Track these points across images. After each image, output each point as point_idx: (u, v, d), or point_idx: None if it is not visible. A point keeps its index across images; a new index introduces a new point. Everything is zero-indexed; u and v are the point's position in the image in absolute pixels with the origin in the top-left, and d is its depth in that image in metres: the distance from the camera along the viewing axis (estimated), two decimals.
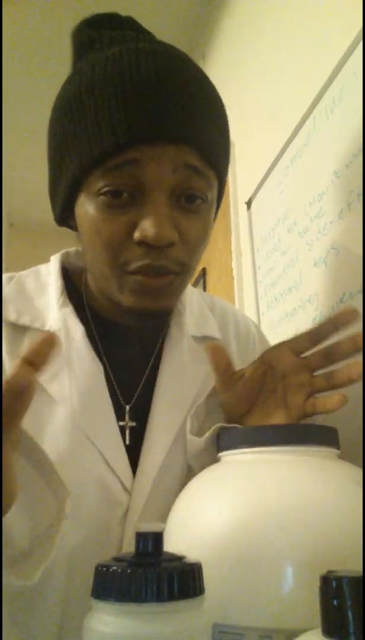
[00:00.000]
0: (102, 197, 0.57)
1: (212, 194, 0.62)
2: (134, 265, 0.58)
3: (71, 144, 0.59)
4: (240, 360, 0.77)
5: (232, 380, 0.62)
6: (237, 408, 0.63)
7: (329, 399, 0.58)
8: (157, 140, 0.55)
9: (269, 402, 0.62)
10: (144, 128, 0.55)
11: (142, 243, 0.57)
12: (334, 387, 0.59)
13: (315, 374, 0.62)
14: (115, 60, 0.57)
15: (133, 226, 0.57)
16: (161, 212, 0.56)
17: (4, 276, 0.73)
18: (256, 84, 1.44)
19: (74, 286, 0.72)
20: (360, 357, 0.57)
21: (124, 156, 0.56)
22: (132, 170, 0.56)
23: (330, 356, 0.60)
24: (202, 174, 0.59)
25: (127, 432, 0.65)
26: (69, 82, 0.61)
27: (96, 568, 0.34)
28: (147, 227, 0.56)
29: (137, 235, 0.57)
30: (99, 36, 0.62)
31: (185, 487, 0.55)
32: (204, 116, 0.59)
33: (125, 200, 0.57)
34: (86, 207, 0.60)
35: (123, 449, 0.64)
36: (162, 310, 0.62)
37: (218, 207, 0.68)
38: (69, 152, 0.60)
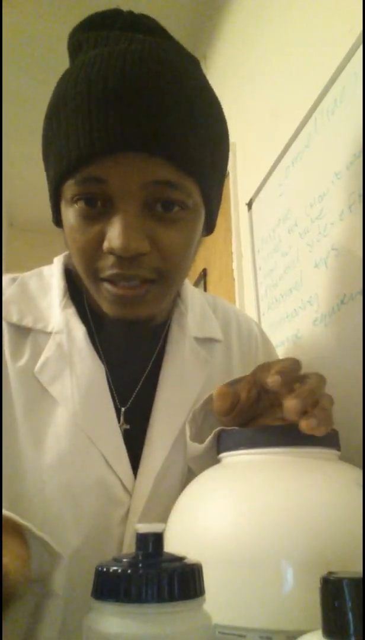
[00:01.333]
0: (76, 205, 0.57)
1: (193, 200, 0.59)
2: (105, 274, 0.58)
3: (51, 152, 0.60)
4: (242, 362, 0.77)
5: (230, 409, 0.60)
6: (233, 425, 0.63)
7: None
8: (119, 152, 0.54)
9: (265, 415, 0.61)
10: (105, 140, 0.53)
11: (111, 253, 0.56)
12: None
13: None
14: (88, 65, 0.56)
15: (104, 236, 0.57)
16: (129, 222, 0.55)
17: (7, 277, 0.73)
18: (257, 85, 1.44)
19: (76, 287, 0.72)
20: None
21: (89, 172, 0.55)
22: (99, 185, 0.55)
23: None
24: (176, 186, 0.56)
25: (121, 433, 0.65)
26: (55, 88, 0.61)
27: (96, 568, 0.34)
28: (113, 238, 0.55)
29: (105, 245, 0.56)
30: (86, 38, 0.61)
31: (186, 488, 0.55)
32: (178, 123, 0.55)
33: (99, 209, 0.57)
34: (66, 213, 0.60)
35: (124, 451, 0.64)
36: (141, 318, 0.61)
37: (214, 208, 0.66)
38: (49, 159, 0.61)
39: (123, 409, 0.67)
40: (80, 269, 0.61)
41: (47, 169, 0.63)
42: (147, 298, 0.60)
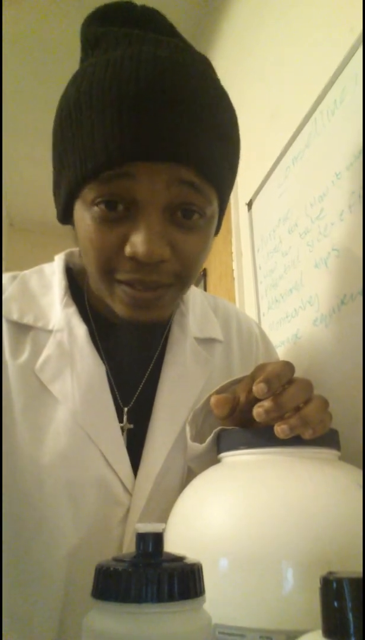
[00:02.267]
0: (96, 207, 0.56)
1: (212, 209, 0.60)
2: (123, 277, 0.58)
3: (69, 152, 0.58)
4: (243, 362, 0.77)
5: (228, 410, 0.60)
6: (235, 425, 0.63)
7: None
8: (150, 158, 0.54)
9: None
10: (137, 146, 0.53)
11: (133, 258, 0.56)
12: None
13: None
14: (116, 66, 0.55)
15: (125, 239, 0.56)
16: (153, 228, 0.55)
17: (7, 275, 0.73)
18: (257, 85, 1.44)
19: (77, 286, 0.72)
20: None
21: (117, 170, 0.54)
22: (125, 183, 0.55)
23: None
24: (199, 190, 0.57)
25: (125, 434, 0.65)
26: (72, 82, 0.59)
27: (96, 568, 0.34)
28: (137, 243, 0.55)
29: (128, 250, 0.56)
30: (104, 34, 0.60)
31: (186, 488, 0.55)
32: (204, 131, 0.56)
33: (120, 212, 0.56)
34: (82, 214, 0.59)
35: (124, 450, 0.64)
36: (154, 321, 0.61)
37: (223, 212, 0.67)
38: (67, 159, 0.59)
39: (126, 409, 0.67)
40: (93, 268, 0.60)
41: (60, 167, 0.61)
42: (162, 302, 0.60)
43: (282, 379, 0.54)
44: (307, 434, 0.50)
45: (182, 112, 0.54)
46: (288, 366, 0.56)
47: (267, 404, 0.52)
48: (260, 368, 0.59)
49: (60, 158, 0.60)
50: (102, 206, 0.56)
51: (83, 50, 0.63)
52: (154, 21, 0.63)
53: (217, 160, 0.58)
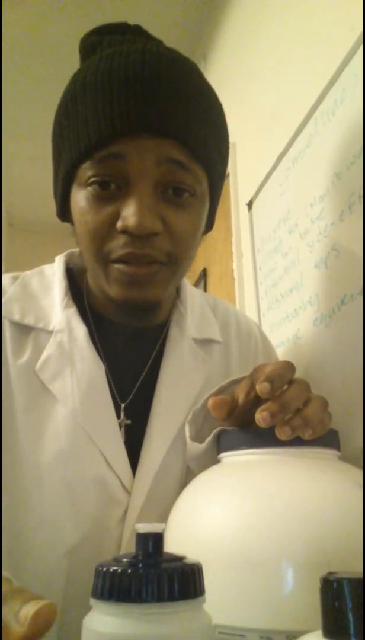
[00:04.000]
0: (90, 187, 0.59)
1: (201, 189, 0.63)
2: (116, 254, 0.59)
3: (66, 139, 0.61)
4: (242, 363, 0.77)
5: (227, 411, 0.60)
6: (233, 426, 0.62)
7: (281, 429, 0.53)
8: (139, 134, 0.57)
9: None
10: (127, 122, 0.56)
11: (125, 232, 0.58)
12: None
13: None
14: (107, 59, 0.59)
15: (117, 216, 0.59)
16: (144, 202, 0.58)
17: (8, 276, 0.73)
18: (258, 85, 1.44)
19: (77, 287, 0.73)
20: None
21: (109, 149, 0.57)
22: (116, 163, 0.58)
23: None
24: (188, 168, 0.60)
25: (123, 430, 0.66)
26: (69, 82, 0.63)
27: (96, 568, 0.34)
28: (129, 216, 0.57)
29: (119, 224, 0.58)
30: (100, 41, 0.64)
31: (186, 488, 0.55)
32: (191, 112, 0.60)
33: (112, 191, 0.59)
34: (77, 198, 0.61)
35: (123, 449, 0.64)
36: (149, 301, 0.62)
37: (215, 204, 0.69)
38: (64, 147, 0.62)
39: (123, 405, 0.67)
40: (89, 253, 0.62)
41: (59, 158, 0.64)
42: (156, 279, 0.61)
43: (284, 379, 0.54)
44: (307, 435, 0.50)
45: (169, 94, 0.58)
46: (289, 366, 0.56)
47: (272, 406, 0.52)
48: (259, 369, 0.59)
49: (58, 148, 0.64)
50: (96, 186, 0.59)
51: (81, 58, 0.67)
52: (146, 33, 0.68)
53: (204, 140, 0.61)
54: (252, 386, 0.59)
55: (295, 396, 0.53)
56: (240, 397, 0.59)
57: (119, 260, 0.59)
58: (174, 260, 0.62)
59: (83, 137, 0.59)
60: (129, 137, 0.57)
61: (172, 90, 0.58)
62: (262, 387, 0.52)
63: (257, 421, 0.52)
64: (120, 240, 0.59)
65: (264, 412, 0.51)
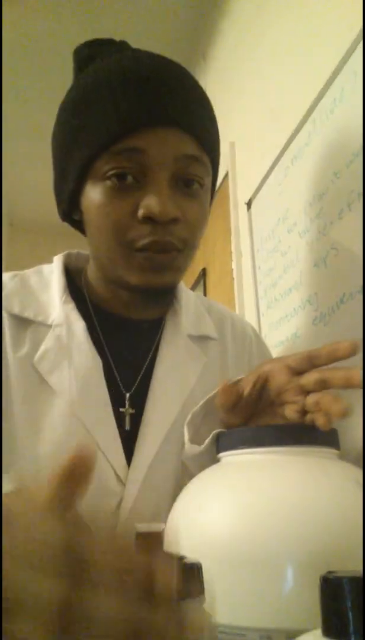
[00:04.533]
0: (108, 181, 0.62)
1: (208, 180, 0.67)
2: (141, 243, 0.62)
3: (79, 137, 0.63)
4: (237, 360, 0.78)
5: (233, 400, 0.60)
6: (235, 420, 0.62)
7: (317, 420, 0.53)
8: (159, 125, 0.60)
9: (266, 412, 0.61)
10: (147, 113, 0.60)
11: (148, 219, 0.61)
12: (322, 410, 0.55)
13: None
14: (117, 62, 0.63)
15: (136, 207, 0.61)
16: (164, 191, 0.61)
17: (8, 274, 0.75)
18: (257, 85, 1.44)
19: (75, 285, 0.74)
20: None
21: (129, 142, 0.60)
22: (135, 156, 0.60)
23: (323, 384, 0.56)
24: (200, 161, 0.63)
25: (128, 418, 0.67)
26: (72, 89, 0.66)
27: None
28: (151, 204, 0.60)
29: (141, 212, 0.61)
30: (98, 52, 0.67)
31: (186, 487, 0.55)
32: (197, 106, 0.64)
33: (129, 183, 0.61)
34: (93, 194, 0.63)
35: (118, 439, 0.65)
36: (167, 285, 0.66)
37: (212, 195, 0.72)
38: (77, 144, 0.64)
39: (127, 395, 0.69)
40: (111, 244, 0.64)
41: (66, 158, 0.66)
42: (174, 266, 0.65)
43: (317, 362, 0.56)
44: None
45: (180, 90, 0.62)
46: (309, 353, 0.57)
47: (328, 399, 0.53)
48: (270, 362, 0.60)
49: (67, 148, 0.66)
50: (114, 179, 0.62)
51: (77, 68, 0.69)
52: (131, 47, 0.71)
53: (209, 131, 0.66)
54: (259, 378, 0.60)
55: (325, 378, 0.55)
56: (246, 389, 0.60)
57: (145, 248, 0.62)
58: (188, 247, 0.65)
59: (102, 131, 0.61)
60: (148, 131, 0.60)
61: (183, 88, 0.63)
62: (351, 343, 0.54)
63: (331, 409, 0.52)
64: (142, 229, 0.61)
65: (325, 396, 0.53)
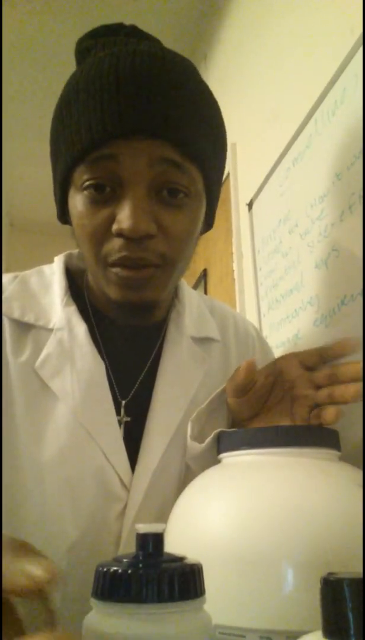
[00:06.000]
0: (86, 191, 0.60)
1: (197, 189, 0.62)
2: (113, 258, 0.59)
3: (61, 143, 0.62)
4: (239, 361, 0.77)
5: (246, 388, 0.61)
6: (243, 413, 0.63)
7: (327, 411, 0.58)
8: (130, 135, 0.57)
9: (275, 409, 0.62)
10: (118, 123, 0.56)
11: (120, 235, 0.58)
12: (333, 403, 0.59)
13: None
14: (99, 63, 0.59)
15: (112, 220, 0.59)
16: (137, 204, 0.57)
17: (8, 275, 0.74)
18: (258, 86, 1.44)
19: (76, 286, 0.73)
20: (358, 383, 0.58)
21: (101, 151, 0.57)
22: (110, 165, 0.58)
23: (333, 377, 0.59)
24: (181, 168, 0.59)
25: (122, 426, 0.66)
26: (63, 88, 0.64)
27: (97, 569, 0.34)
28: (123, 219, 0.57)
29: (114, 227, 0.58)
30: (94, 44, 0.64)
31: (187, 488, 0.55)
32: (184, 112, 0.59)
33: (107, 195, 0.59)
34: (75, 202, 0.62)
35: (122, 445, 0.64)
36: (146, 302, 0.62)
37: (213, 203, 0.69)
38: (60, 150, 0.62)
39: (123, 402, 0.68)
40: (88, 256, 0.62)
41: (56, 162, 0.64)
42: (152, 282, 0.61)
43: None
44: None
45: (160, 94, 0.58)
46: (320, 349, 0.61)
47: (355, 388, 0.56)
48: (286, 357, 0.64)
49: (55, 152, 0.64)
50: (91, 189, 0.59)
51: (76, 61, 0.67)
52: (141, 33, 0.67)
53: (198, 139, 0.61)
54: (273, 372, 0.62)
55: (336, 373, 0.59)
56: (260, 378, 0.61)
57: (116, 263, 0.60)
58: (169, 262, 0.62)
59: (76, 140, 0.59)
60: (122, 139, 0.57)
61: (164, 91, 0.58)
62: (353, 342, 0.60)
63: (344, 396, 0.56)
64: (116, 243, 0.59)
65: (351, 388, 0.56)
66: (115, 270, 0.60)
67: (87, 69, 0.60)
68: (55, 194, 0.68)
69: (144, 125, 0.57)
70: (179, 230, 0.61)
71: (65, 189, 0.63)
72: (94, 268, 0.62)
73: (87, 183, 0.59)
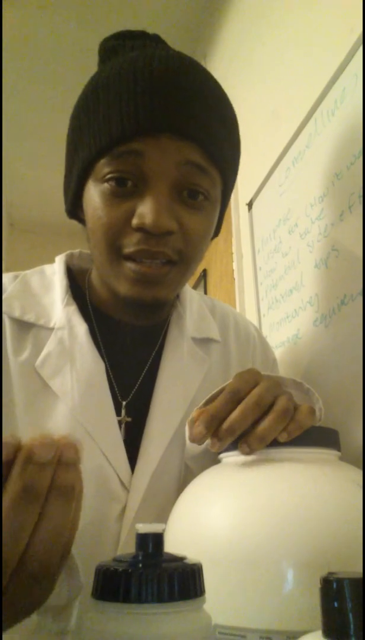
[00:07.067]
0: (106, 184, 0.60)
1: (216, 193, 0.63)
2: (129, 250, 0.60)
3: (85, 135, 0.62)
4: (240, 362, 0.78)
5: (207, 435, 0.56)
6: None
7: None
8: (161, 133, 0.58)
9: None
10: (150, 120, 0.57)
11: (140, 229, 0.58)
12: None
13: None
14: (131, 61, 0.61)
15: (132, 214, 0.59)
16: (161, 201, 0.58)
17: (9, 275, 0.74)
18: (258, 86, 1.44)
19: (77, 286, 0.73)
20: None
21: (129, 146, 0.58)
22: (136, 160, 0.58)
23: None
24: (205, 172, 0.60)
25: (123, 427, 0.66)
26: (89, 82, 0.64)
27: (97, 569, 0.34)
28: (145, 213, 0.58)
29: (135, 221, 0.59)
30: (121, 45, 0.66)
31: (186, 488, 0.55)
32: (210, 116, 0.61)
33: (129, 189, 0.59)
34: (92, 194, 0.62)
35: (122, 445, 0.64)
36: (158, 300, 0.63)
37: (224, 209, 0.70)
38: (82, 142, 0.63)
39: (124, 403, 0.68)
40: (101, 248, 0.62)
41: (74, 152, 0.65)
42: (167, 279, 0.62)
43: (224, 411, 0.53)
44: (282, 438, 0.50)
45: (191, 97, 0.59)
46: (234, 391, 0.54)
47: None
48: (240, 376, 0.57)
49: (75, 145, 0.64)
50: (113, 182, 0.60)
51: (100, 60, 0.68)
52: (164, 42, 0.69)
53: (222, 144, 0.62)
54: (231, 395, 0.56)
55: (252, 406, 0.52)
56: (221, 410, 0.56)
57: (131, 257, 0.60)
58: (185, 260, 0.63)
59: (104, 132, 0.59)
60: (151, 136, 0.58)
61: (195, 94, 0.60)
62: (198, 432, 0.52)
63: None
64: (134, 237, 0.59)
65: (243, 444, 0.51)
66: (129, 264, 0.60)
67: (118, 65, 0.61)
68: (67, 186, 0.68)
69: (176, 125, 0.58)
70: (197, 229, 0.62)
71: (82, 180, 0.64)
72: (105, 262, 0.62)
73: (110, 175, 0.60)
